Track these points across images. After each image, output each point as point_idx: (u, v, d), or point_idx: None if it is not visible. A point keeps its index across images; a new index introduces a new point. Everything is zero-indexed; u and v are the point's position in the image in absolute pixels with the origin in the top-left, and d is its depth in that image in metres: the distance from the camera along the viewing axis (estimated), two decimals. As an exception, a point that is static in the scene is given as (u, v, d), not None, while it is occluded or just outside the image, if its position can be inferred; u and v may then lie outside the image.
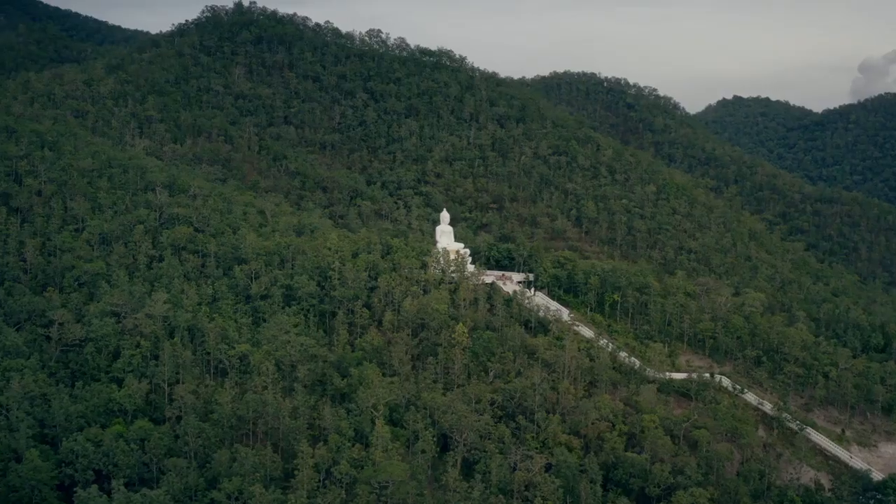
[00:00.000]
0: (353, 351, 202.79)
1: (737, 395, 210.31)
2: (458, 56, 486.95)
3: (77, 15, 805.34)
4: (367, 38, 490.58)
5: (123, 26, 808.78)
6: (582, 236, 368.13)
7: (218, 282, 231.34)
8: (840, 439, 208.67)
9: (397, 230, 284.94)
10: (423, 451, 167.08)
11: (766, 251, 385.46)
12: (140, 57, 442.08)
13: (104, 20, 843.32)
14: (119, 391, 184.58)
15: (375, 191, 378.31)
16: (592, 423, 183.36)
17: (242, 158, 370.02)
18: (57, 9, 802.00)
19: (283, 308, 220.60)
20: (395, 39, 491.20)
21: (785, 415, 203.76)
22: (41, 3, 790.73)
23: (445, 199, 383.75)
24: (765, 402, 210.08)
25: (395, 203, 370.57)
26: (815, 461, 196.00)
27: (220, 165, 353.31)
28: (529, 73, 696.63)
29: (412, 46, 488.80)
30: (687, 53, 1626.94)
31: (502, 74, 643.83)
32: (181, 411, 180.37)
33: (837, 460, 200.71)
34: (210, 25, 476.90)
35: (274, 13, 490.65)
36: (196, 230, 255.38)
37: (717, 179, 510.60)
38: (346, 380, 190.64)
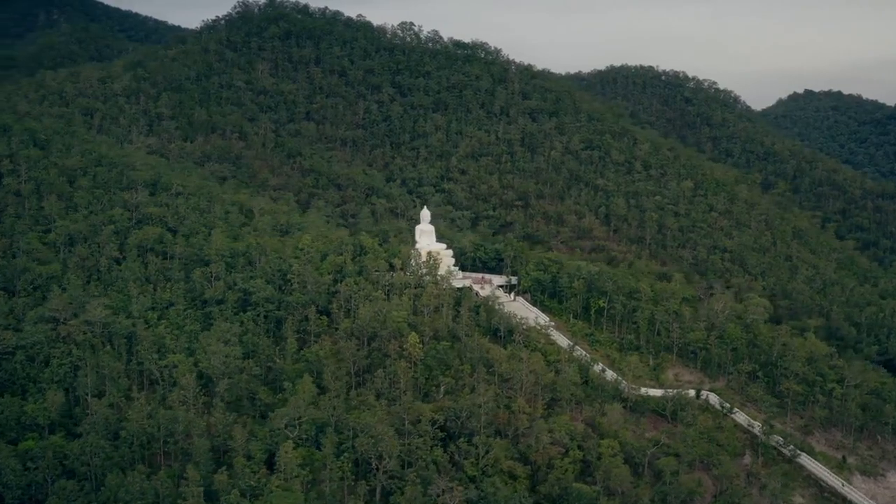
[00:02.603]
0: (295, 362, 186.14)
1: (725, 414, 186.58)
2: (492, 48, 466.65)
3: (136, 15, 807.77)
4: (399, 32, 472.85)
5: (183, 26, 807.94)
6: (610, 235, 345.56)
7: (176, 285, 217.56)
8: (841, 467, 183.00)
9: (378, 230, 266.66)
10: (332, 480, 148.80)
11: (811, 250, 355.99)
12: (165, 53, 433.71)
13: (163, 20, 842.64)
14: (32, 404, 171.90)
15: (394, 188, 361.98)
16: (543, 448, 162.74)
17: (255, 156, 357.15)
18: (117, 9, 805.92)
19: (237, 314, 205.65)
20: (428, 32, 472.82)
21: (777, 438, 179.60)
22: (101, 3, 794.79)
23: (469, 196, 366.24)
24: (756, 423, 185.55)
25: (413, 201, 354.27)
26: (808, 493, 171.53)
27: (230, 163, 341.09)
28: (586, 68, 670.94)
29: (445, 39, 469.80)
30: (757, 48, 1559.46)
31: (559, 71, 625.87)
32: (94, 427, 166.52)
33: (834, 492, 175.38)
34: (240, 21, 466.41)
35: (305, 7, 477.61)
36: (170, 230, 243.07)
37: (775, 175, 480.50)
38: (280, 395, 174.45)
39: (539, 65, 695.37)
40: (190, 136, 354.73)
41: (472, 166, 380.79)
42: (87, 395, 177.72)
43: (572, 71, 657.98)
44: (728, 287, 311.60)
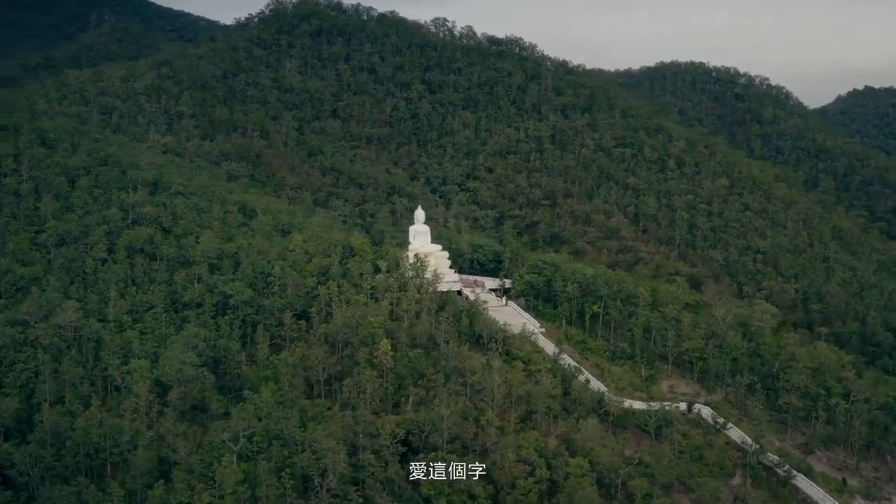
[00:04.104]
0: (261, 369, 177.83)
1: (718, 430, 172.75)
2: (527, 44, 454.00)
3: (188, 15, 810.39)
4: (433, 28, 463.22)
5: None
6: (638, 235, 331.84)
7: (157, 287, 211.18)
8: (840, 490, 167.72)
9: (374, 231, 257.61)
10: (269, 498, 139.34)
11: (851, 251, 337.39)
12: (195, 51, 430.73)
13: (216, 20, 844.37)
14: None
15: (417, 187, 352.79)
16: (508, 466, 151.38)
17: (275, 154, 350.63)
18: (169, 9, 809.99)
19: (214, 317, 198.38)
20: (462, 28, 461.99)
21: (772, 457, 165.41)
22: (153, 3, 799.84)
23: (495, 195, 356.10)
24: (751, 441, 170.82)
25: (436, 200, 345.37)
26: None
27: (248, 162, 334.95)
28: (635, 65, 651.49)
29: (479, 35, 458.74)
30: (816, 45, 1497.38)
31: (609, 68, 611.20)
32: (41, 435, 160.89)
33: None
34: (272, 18, 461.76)
35: (338, 4, 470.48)
36: (165, 231, 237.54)
37: (825, 173, 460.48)
38: (240, 405, 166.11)
39: (591, 63, 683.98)
40: (210, 134, 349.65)
41: (499, 164, 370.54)
42: (46, 400, 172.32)
43: (622, 68, 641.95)
44: (759, 290, 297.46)
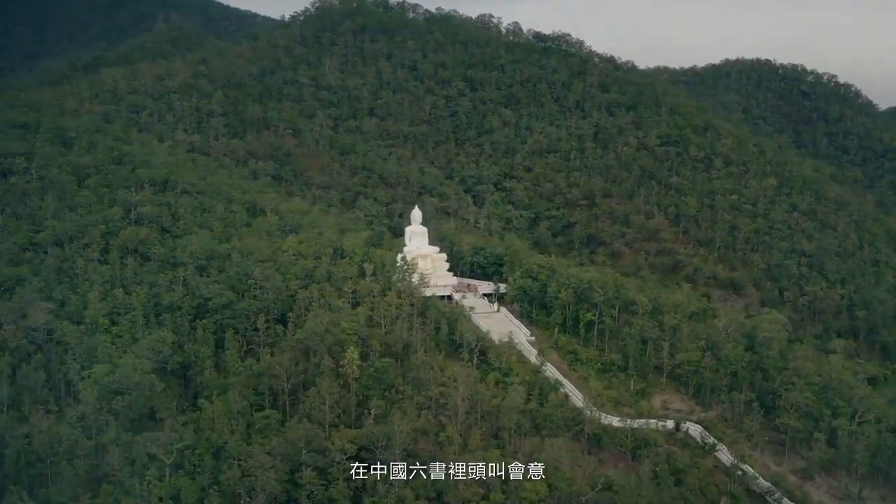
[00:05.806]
0: (226, 377, 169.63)
1: (707, 451, 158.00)
2: (574, 40, 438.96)
3: (255, 15, 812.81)
4: (479, 24, 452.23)
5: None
6: (679, 237, 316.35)
7: (140, 289, 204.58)
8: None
9: (372, 231, 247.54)
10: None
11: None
12: (236, 49, 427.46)
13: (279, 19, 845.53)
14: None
15: (450, 186, 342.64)
16: (461, 488, 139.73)
17: (305, 153, 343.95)
18: (236, 9, 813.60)
19: (192, 321, 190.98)
20: (508, 24, 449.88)
21: (762, 483, 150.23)
22: (219, 3, 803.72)
23: (532, 194, 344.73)
24: (743, 465, 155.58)
25: (468, 200, 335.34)
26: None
27: (275, 161, 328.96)
28: (700, 63, 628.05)
29: (525, 31, 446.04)
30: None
31: (674, 67, 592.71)
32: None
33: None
34: (317, 16, 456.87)
35: (384, 1, 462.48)
36: (164, 230, 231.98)
37: (891, 173, 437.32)
38: (196, 413, 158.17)
39: (657, 61, 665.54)
40: (240, 133, 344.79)
41: (538, 163, 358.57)
42: (3, 406, 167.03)
43: (686, 66, 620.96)
44: (802, 295, 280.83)
